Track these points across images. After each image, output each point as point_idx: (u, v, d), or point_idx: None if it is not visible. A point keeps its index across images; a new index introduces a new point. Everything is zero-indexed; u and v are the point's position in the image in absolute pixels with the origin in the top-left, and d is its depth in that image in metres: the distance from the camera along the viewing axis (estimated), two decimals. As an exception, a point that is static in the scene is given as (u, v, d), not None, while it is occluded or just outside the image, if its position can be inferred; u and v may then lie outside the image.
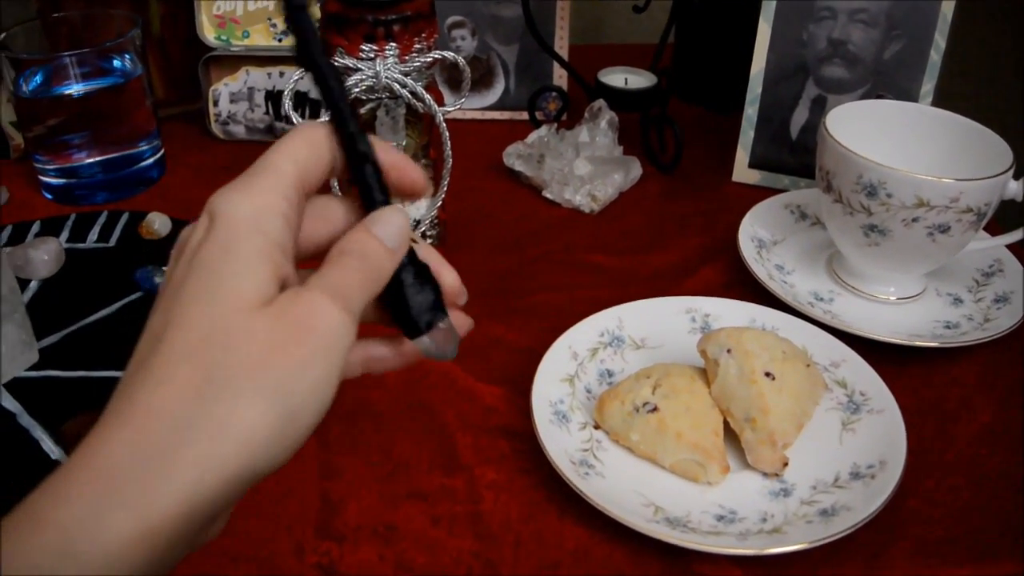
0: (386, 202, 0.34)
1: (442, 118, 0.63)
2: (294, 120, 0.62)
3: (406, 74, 0.62)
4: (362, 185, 0.34)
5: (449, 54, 0.62)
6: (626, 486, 0.52)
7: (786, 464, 0.53)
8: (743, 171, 0.85)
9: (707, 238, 0.77)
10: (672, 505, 0.51)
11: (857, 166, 0.62)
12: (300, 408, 0.29)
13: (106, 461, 0.28)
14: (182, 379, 0.29)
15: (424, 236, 0.71)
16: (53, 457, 0.53)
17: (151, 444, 0.28)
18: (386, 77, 0.62)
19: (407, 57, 0.62)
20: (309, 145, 0.33)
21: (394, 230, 0.33)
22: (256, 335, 0.29)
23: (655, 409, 0.53)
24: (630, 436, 0.53)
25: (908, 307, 0.69)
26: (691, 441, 0.52)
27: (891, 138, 0.69)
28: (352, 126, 0.34)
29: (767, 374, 0.53)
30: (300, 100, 0.87)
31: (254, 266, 0.30)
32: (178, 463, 0.28)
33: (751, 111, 0.82)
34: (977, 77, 1.14)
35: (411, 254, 0.35)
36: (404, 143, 0.65)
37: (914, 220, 0.62)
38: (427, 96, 0.62)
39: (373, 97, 0.63)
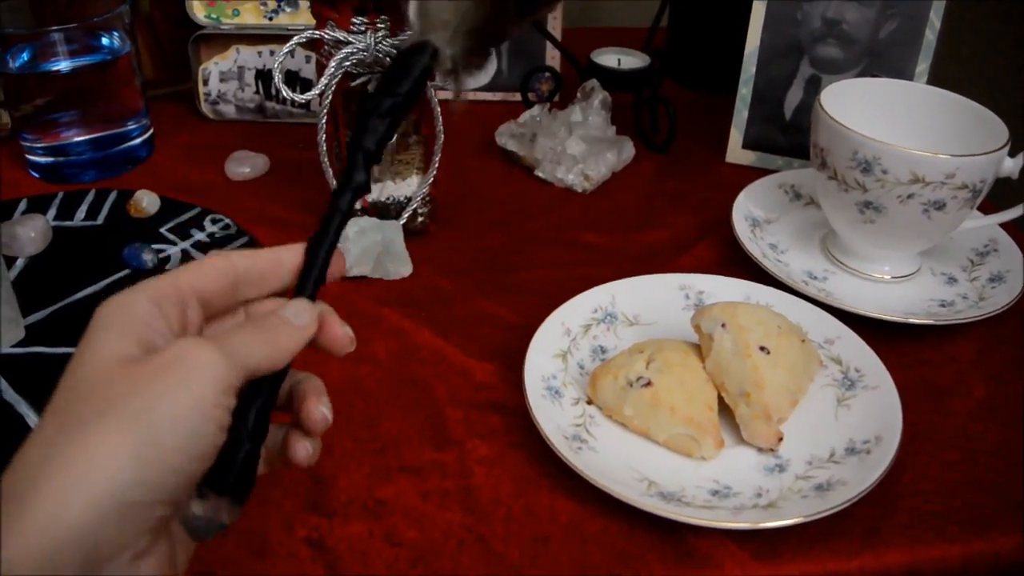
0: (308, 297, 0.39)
1: (434, 94, 0.63)
2: (286, 95, 0.61)
3: (397, 48, 0.61)
4: (300, 283, 0.40)
5: (441, 27, 0.61)
6: (619, 461, 0.51)
7: (781, 439, 0.52)
8: (736, 152, 0.84)
9: (700, 217, 0.77)
10: (666, 480, 0.51)
11: (852, 142, 0.62)
12: (162, 434, 0.31)
13: None
14: (47, 427, 0.31)
15: (416, 214, 0.70)
16: (38, 432, 0.53)
17: (14, 485, 0.30)
18: (377, 51, 0.61)
19: (398, 30, 0.61)
20: (198, 270, 0.38)
21: (299, 311, 0.38)
22: (116, 379, 0.32)
23: (649, 383, 0.52)
24: (623, 411, 0.53)
25: (903, 286, 0.68)
26: (685, 416, 0.51)
27: (886, 116, 0.68)
28: (320, 265, 0.40)
29: (762, 348, 0.53)
30: (291, 78, 0.86)
31: (114, 333, 0.33)
32: (38, 497, 0.29)
33: (745, 91, 0.82)
34: (972, 57, 1.13)
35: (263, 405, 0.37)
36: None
37: (909, 197, 0.61)
38: (419, 70, 0.62)
39: (364, 71, 0.62)
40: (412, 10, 0.48)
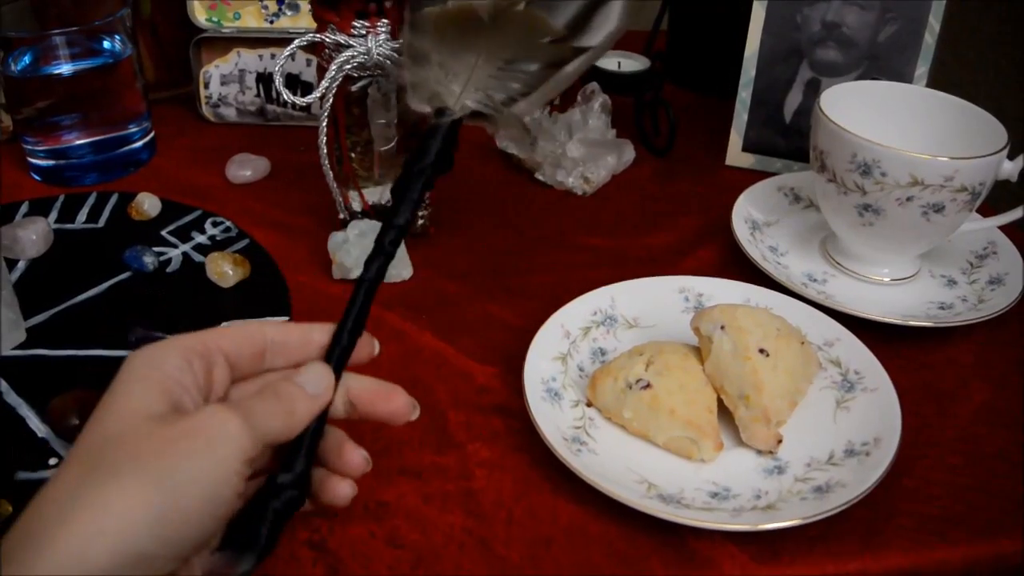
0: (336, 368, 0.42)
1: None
2: (287, 99, 0.61)
3: (397, 51, 0.62)
4: (329, 353, 0.42)
5: (442, 31, 0.62)
6: (619, 463, 0.52)
7: (780, 442, 0.52)
8: (736, 155, 0.84)
9: (700, 220, 0.77)
10: (665, 482, 0.51)
11: (851, 145, 0.62)
12: (181, 495, 0.33)
13: (3, 543, 0.32)
14: (72, 471, 0.33)
15: (416, 216, 0.70)
16: (39, 435, 0.53)
17: (37, 522, 0.32)
18: (378, 54, 0.61)
19: (399, 34, 0.62)
20: (229, 333, 0.40)
21: (316, 379, 0.40)
22: (143, 435, 0.34)
23: (648, 386, 0.52)
24: (623, 413, 0.53)
25: (902, 288, 0.68)
26: (685, 418, 0.51)
27: (885, 119, 0.68)
28: (348, 332, 0.43)
29: (761, 351, 0.53)
30: (291, 81, 0.86)
31: (144, 386, 0.35)
32: (60, 537, 0.31)
33: (744, 94, 0.82)
34: (971, 60, 1.14)
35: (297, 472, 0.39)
36: (395, 120, 0.65)
37: (908, 199, 0.61)
38: (419, 73, 0.62)
39: (365, 74, 0.63)
40: (408, 93, 0.50)
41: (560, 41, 0.50)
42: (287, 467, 0.39)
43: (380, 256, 0.44)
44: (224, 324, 0.41)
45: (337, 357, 0.42)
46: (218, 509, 0.34)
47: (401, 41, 0.52)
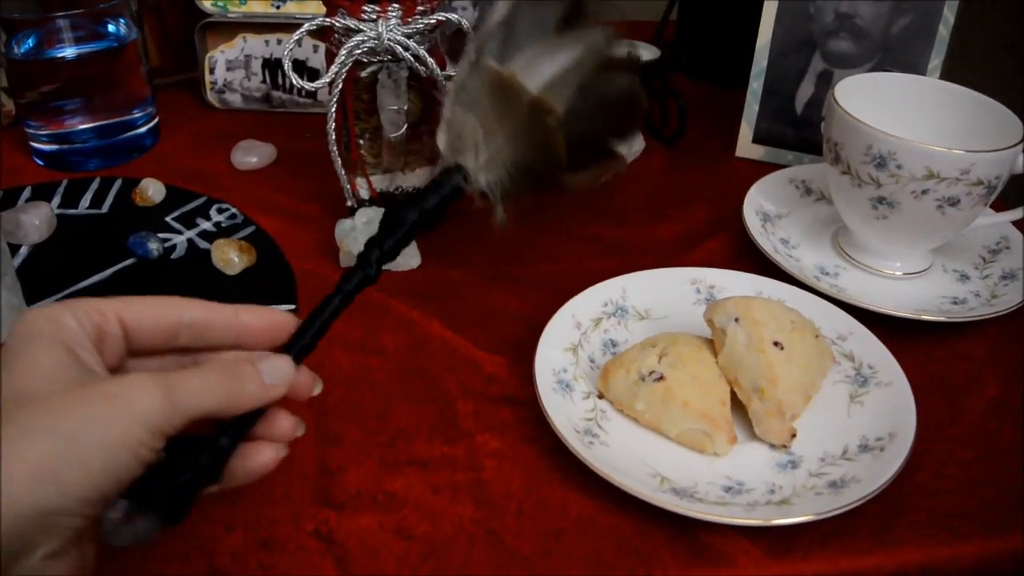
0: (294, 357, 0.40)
1: (445, 82, 0.62)
2: (296, 83, 0.60)
3: (409, 36, 0.61)
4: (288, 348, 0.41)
5: (454, 16, 0.61)
6: (631, 456, 0.51)
7: (794, 436, 0.52)
8: (746, 146, 0.83)
9: (710, 211, 0.76)
10: (678, 475, 0.50)
11: (867, 137, 0.61)
12: (86, 456, 0.32)
13: None
14: None
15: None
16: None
17: None
18: (388, 39, 0.60)
19: (410, 19, 0.61)
20: (131, 305, 0.39)
21: (276, 371, 0.39)
22: (56, 392, 0.34)
23: (661, 378, 0.52)
24: (635, 405, 0.52)
25: (914, 282, 0.68)
26: (698, 410, 0.51)
27: (900, 111, 0.68)
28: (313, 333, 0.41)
29: (776, 343, 0.52)
30: (298, 67, 0.85)
31: (50, 345, 0.35)
32: None
33: (756, 85, 0.81)
34: (985, 53, 1.13)
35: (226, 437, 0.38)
36: (406, 107, 0.64)
37: (923, 192, 0.61)
38: (429, 59, 0.61)
39: (375, 60, 0.62)
40: (441, 127, 0.51)
41: (560, 170, 0.51)
42: (210, 443, 0.38)
43: (360, 273, 0.43)
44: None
45: (299, 349, 0.41)
46: (119, 473, 0.34)
47: (455, 71, 0.52)
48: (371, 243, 0.44)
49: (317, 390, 0.42)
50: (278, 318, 0.41)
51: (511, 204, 0.51)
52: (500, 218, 0.51)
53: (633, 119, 0.58)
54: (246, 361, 0.39)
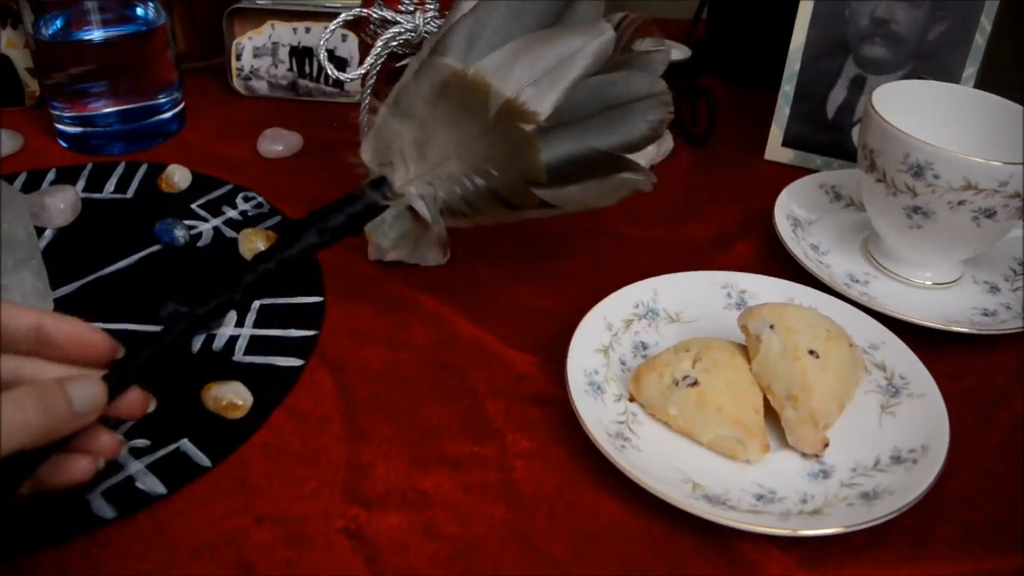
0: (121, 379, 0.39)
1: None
2: (330, 73, 0.60)
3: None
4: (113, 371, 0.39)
5: (492, 10, 0.60)
6: (663, 461, 0.50)
7: (827, 445, 0.51)
8: (776, 149, 0.83)
9: (740, 213, 0.76)
10: (710, 482, 0.50)
11: (904, 145, 0.61)
12: None
13: None
14: None
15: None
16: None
17: None
18: (425, 31, 0.60)
19: (447, 11, 0.60)
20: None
21: (87, 398, 0.37)
22: None
23: (695, 383, 0.51)
24: (668, 410, 0.52)
25: (944, 293, 0.67)
26: (732, 417, 0.50)
27: (935, 119, 0.67)
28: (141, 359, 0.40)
29: (811, 352, 0.52)
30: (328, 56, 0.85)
31: None
32: None
33: (788, 88, 0.80)
34: (1018, 64, 1.12)
35: None
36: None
37: (960, 203, 0.60)
38: (466, 53, 0.60)
39: (410, 52, 0.61)
40: (368, 136, 0.49)
41: (536, 185, 0.48)
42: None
43: (228, 294, 0.42)
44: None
45: (117, 381, 0.39)
46: None
47: (400, 82, 0.50)
48: (257, 259, 0.43)
49: (151, 408, 0.41)
50: (86, 334, 0.40)
51: (465, 222, 0.48)
52: (439, 238, 0.49)
53: (649, 126, 0.54)
54: (56, 383, 0.37)
